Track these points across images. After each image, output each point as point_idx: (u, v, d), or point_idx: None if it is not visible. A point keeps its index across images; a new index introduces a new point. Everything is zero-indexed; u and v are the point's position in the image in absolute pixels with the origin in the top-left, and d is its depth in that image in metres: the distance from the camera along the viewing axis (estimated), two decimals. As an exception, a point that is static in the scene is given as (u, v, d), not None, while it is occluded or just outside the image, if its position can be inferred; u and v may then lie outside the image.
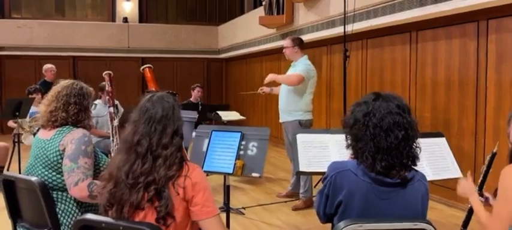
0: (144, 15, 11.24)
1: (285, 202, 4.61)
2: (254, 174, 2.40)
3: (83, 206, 2.22)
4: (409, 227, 1.53)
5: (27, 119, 5.39)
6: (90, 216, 1.62)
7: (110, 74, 3.17)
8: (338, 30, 5.80)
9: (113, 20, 11.02)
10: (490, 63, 4.13)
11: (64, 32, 10.33)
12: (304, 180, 4.43)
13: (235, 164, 2.42)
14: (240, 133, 2.49)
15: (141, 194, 1.58)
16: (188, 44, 11.04)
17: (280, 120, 4.56)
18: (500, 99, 4.05)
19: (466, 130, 4.36)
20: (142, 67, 3.64)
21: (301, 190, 4.46)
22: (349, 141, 1.67)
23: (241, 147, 2.45)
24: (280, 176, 5.84)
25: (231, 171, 2.43)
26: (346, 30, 4.92)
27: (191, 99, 6.63)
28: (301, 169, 2.38)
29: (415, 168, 1.64)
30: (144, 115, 1.66)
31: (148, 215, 1.58)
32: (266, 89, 4.72)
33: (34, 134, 5.44)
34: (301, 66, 4.36)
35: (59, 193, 2.21)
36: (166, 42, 10.88)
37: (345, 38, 4.79)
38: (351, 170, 1.62)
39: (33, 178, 2.13)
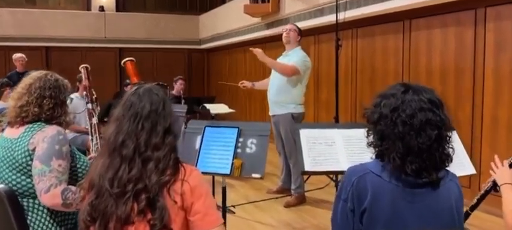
0: (121, 4, 10.76)
1: (276, 198, 4.39)
2: (254, 175, 2.16)
3: (58, 215, 1.93)
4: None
5: (-5, 116, 4.97)
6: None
7: (87, 68, 2.86)
8: (327, 19, 5.59)
9: (88, 8, 10.51)
10: (487, 52, 4.00)
11: (36, 21, 9.78)
12: (296, 175, 4.22)
13: (232, 164, 2.16)
14: (237, 129, 2.24)
15: (129, 205, 1.31)
16: (168, 34, 10.64)
17: (270, 113, 4.31)
18: (498, 88, 3.92)
19: (462, 120, 4.23)
20: (123, 61, 3.34)
21: (293, 186, 4.26)
22: (371, 139, 1.44)
23: (239, 145, 2.20)
24: (269, 170, 5.61)
25: (228, 172, 2.17)
26: (336, 18, 4.71)
27: (173, 92, 6.30)
28: (307, 168, 2.14)
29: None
30: (129, 111, 1.39)
31: (140, 231, 1.32)
32: (247, 84, 4.45)
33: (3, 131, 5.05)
34: (297, 57, 4.11)
35: (30, 200, 1.91)
36: (145, 32, 10.45)
37: (337, 27, 4.58)
38: (372, 172, 1.39)
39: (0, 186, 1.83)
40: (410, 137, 1.34)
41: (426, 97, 1.39)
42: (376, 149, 1.44)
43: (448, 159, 1.41)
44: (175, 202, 1.33)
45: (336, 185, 4.41)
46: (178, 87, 6.28)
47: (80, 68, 2.88)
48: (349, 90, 5.73)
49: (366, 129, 1.47)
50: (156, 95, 1.42)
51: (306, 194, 4.35)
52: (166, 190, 1.33)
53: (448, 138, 1.40)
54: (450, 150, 1.42)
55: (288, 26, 4.29)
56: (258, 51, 4.11)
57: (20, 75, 6.64)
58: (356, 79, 5.66)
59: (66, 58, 9.92)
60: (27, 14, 9.80)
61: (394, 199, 1.36)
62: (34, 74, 2.12)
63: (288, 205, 4.18)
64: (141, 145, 1.35)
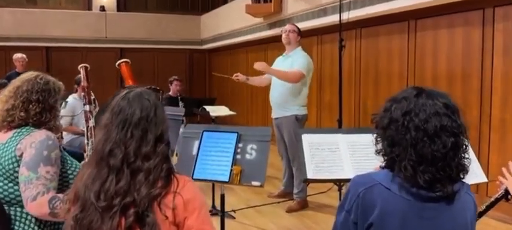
0: (123, 4, 10.67)
1: (278, 203, 4.29)
2: (254, 183, 2.05)
3: (47, 225, 1.83)
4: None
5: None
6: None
7: (86, 67, 2.75)
8: (331, 19, 5.48)
9: (89, 8, 10.43)
10: (496, 53, 3.88)
11: (36, 21, 9.69)
12: (299, 179, 4.11)
13: (231, 170, 2.06)
14: (236, 134, 2.13)
15: (116, 220, 1.21)
16: (169, 35, 10.54)
17: (274, 116, 4.21)
18: (507, 91, 3.80)
19: (469, 125, 4.08)
20: (117, 62, 3.24)
21: (295, 191, 4.15)
22: (380, 146, 1.33)
23: (238, 150, 2.09)
24: (271, 173, 5.50)
25: (226, 179, 2.06)
26: (340, 18, 4.59)
27: (170, 93, 6.19)
28: (309, 176, 2.03)
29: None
30: (118, 117, 1.28)
31: (127, 248, 1.21)
32: (241, 77, 4.27)
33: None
34: (300, 60, 3.99)
35: (18, 209, 1.81)
36: (146, 32, 10.36)
37: (341, 27, 4.46)
38: (381, 184, 1.28)
39: (-17, 194, 1.73)
40: (424, 144, 1.23)
41: (441, 101, 1.28)
42: (386, 157, 1.33)
43: (464, 170, 1.29)
44: (167, 217, 1.23)
45: (339, 190, 4.30)
46: (174, 88, 6.15)
47: (78, 68, 2.77)
48: (352, 91, 5.62)
49: (374, 136, 1.36)
50: (147, 100, 1.32)
51: (308, 198, 4.24)
52: (157, 203, 1.23)
53: (465, 147, 1.29)
54: (466, 159, 1.31)
55: (287, 27, 4.18)
56: (261, 65, 3.99)
57: (19, 75, 6.56)
58: (359, 80, 5.54)
59: (67, 59, 9.83)
60: (28, 14, 9.72)
61: (405, 214, 1.25)
62: (24, 76, 2.02)
63: (290, 210, 4.07)
64: (130, 155, 1.25)
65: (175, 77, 6.21)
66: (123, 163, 1.24)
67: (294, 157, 4.09)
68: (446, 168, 1.24)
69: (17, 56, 6.83)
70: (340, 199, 4.29)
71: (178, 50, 10.71)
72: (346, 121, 4.85)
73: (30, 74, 2.02)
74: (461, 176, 1.30)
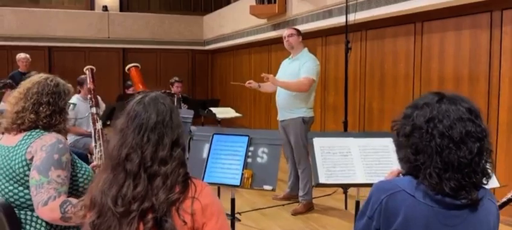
0: (125, 4, 10.65)
1: (283, 205, 4.26)
2: (266, 187, 2.02)
3: (58, 229, 1.81)
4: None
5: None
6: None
7: (92, 69, 2.73)
8: (336, 21, 5.46)
9: (92, 8, 10.41)
10: (504, 56, 3.85)
11: (38, 21, 9.67)
12: (304, 182, 4.09)
13: (242, 174, 2.03)
14: (247, 138, 2.10)
15: (135, 226, 1.19)
16: (172, 35, 10.52)
17: (280, 118, 4.18)
18: (515, 95, 3.78)
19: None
20: (127, 67, 3.21)
21: (301, 193, 4.13)
22: (404, 153, 1.30)
23: (249, 154, 2.07)
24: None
25: (238, 183, 2.04)
26: (347, 20, 4.57)
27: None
28: (321, 180, 2.01)
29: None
30: (134, 121, 1.27)
31: (145, 254, 1.19)
32: (254, 84, 4.26)
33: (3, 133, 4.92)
34: (307, 65, 3.95)
35: (28, 212, 1.79)
36: (149, 32, 10.34)
37: (347, 28, 4.44)
38: (405, 191, 1.26)
39: (-5, 198, 1.71)
40: (450, 150, 1.21)
41: (464, 106, 1.26)
42: (408, 165, 1.31)
43: (488, 175, 1.28)
44: (185, 223, 1.21)
45: (345, 193, 4.28)
46: (175, 90, 6.12)
47: (84, 70, 2.75)
48: (357, 93, 5.60)
49: (395, 143, 1.34)
50: (162, 104, 1.30)
51: (313, 200, 4.22)
52: (175, 209, 1.21)
53: (489, 152, 1.27)
54: (489, 164, 1.29)
55: (286, 32, 4.15)
56: (270, 77, 3.97)
57: (23, 75, 6.55)
58: (365, 82, 5.52)
59: (69, 59, 9.83)
60: (30, 14, 9.70)
61: (429, 222, 1.23)
62: (34, 78, 2.00)
63: (295, 213, 4.05)
64: (146, 159, 1.23)
65: (176, 78, 6.18)
66: (140, 167, 1.22)
67: (299, 160, 4.07)
68: (472, 174, 1.22)
69: (21, 56, 6.82)
70: (346, 202, 4.27)
71: (180, 50, 10.70)
72: (351, 123, 4.83)
73: (39, 76, 2.00)
74: (485, 182, 1.29)
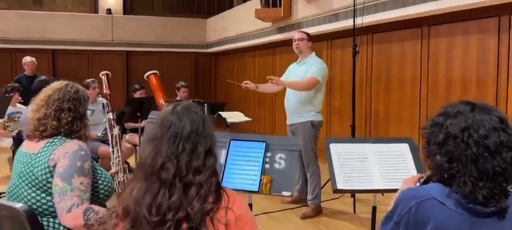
0: (129, 7, 10.67)
1: (292, 209, 4.27)
2: (285, 193, 2.04)
3: (80, 236, 1.82)
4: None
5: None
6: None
7: (107, 74, 2.74)
8: (343, 24, 5.48)
9: (96, 11, 10.42)
10: (512, 61, 3.88)
11: (42, 24, 9.69)
12: (313, 185, 4.10)
13: (261, 180, 2.05)
14: (264, 143, 2.12)
15: None
16: (175, 37, 10.54)
17: (289, 122, 4.19)
18: (523, 99, 3.80)
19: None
20: (146, 75, 3.21)
21: (310, 197, 4.14)
22: (435, 161, 1.32)
23: (267, 160, 2.08)
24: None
25: (256, 189, 2.06)
26: (352, 24, 4.59)
27: (177, 99, 6.16)
28: (339, 186, 2.02)
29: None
30: (168, 131, 1.28)
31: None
32: (251, 85, 4.23)
33: (13, 137, 4.92)
34: (315, 66, 3.98)
35: (50, 219, 1.81)
36: (153, 35, 10.35)
37: (355, 32, 4.47)
38: (435, 198, 1.27)
39: (18, 205, 1.72)
40: (485, 159, 1.23)
41: (496, 115, 1.28)
42: (441, 173, 1.32)
43: None
44: None
45: (353, 196, 4.29)
46: (181, 95, 6.11)
47: (100, 75, 2.77)
48: (363, 97, 5.62)
49: (424, 151, 1.36)
50: (195, 114, 1.32)
51: (322, 204, 4.23)
52: (210, 219, 1.22)
53: None
54: None
55: (297, 36, 4.15)
56: (275, 81, 3.99)
57: (29, 79, 6.56)
58: (371, 86, 5.54)
59: (73, 62, 9.85)
60: (34, 17, 9.71)
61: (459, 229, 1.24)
62: (54, 85, 2.02)
63: (304, 217, 4.06)
64: (182, 169, 1.24)
65: (183, 83, 6.15)
66: (175, 177, 1.23)
67: (308, 163, 4.08)
68: (504, 183, 1.24)
69: (27, 59, 6.84)
70: (354, 205, 4.28)
71: (184, 53, 10.71)
72: (356, 127, 4.84)
73: (59, 83, 2.02)
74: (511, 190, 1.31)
